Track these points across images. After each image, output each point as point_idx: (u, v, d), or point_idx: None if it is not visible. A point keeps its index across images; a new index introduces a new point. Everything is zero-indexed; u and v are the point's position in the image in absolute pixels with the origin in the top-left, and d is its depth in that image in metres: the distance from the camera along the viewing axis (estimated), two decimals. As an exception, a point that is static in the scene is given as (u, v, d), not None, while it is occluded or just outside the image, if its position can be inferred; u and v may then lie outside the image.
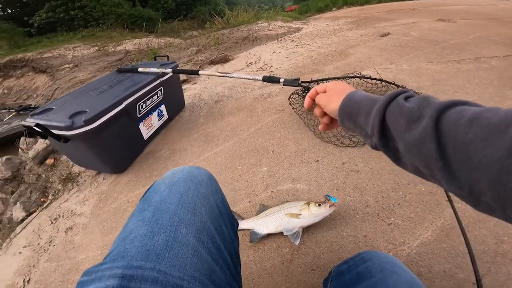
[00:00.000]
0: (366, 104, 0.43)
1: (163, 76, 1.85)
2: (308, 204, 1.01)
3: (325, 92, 0.57)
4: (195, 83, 3.02)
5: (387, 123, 0.39)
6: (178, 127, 2.07)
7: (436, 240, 0.94)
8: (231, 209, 1.19)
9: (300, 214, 1.00)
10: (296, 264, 0.96)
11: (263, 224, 1.05)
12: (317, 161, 1.40)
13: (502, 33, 2.86)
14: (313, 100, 0.61)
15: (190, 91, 2.75)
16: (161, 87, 1.86)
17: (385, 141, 0.40)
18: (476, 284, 0.81)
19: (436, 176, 0.33)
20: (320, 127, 0.62)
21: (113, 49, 4.64)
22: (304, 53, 3.19)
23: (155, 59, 2.41)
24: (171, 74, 1.87)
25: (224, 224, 0.56)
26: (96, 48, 6.91)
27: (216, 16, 6.96)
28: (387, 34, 3.28)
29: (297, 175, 1.33)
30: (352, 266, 0.61)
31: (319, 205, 0.98)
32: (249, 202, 1.24)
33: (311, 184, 1.27)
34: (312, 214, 0.98)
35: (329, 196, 1.02)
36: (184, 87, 2.89)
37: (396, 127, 0.37)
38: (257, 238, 1.04)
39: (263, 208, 1.13)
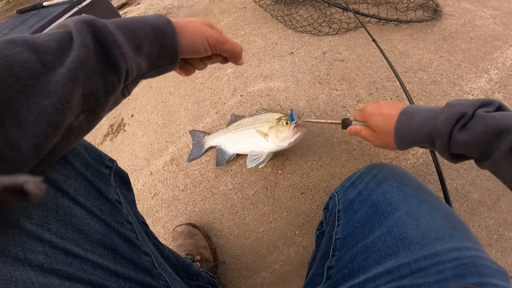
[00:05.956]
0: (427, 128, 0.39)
1: (80, 2, 1.47)
2: (279, 120, 0.77)
3: (365, 119, 0.52)
4: (138, 3, 2.52)
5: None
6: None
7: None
8: (195, 128, 0.99)
9: (267, 135, 0.77)
10: (282, 188, 0.79)
11: (231, 140, 0.84)
12: (292, 53, 1.14)
13: None
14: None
15: (133, 13, 2.29)
16: (83, 15, 1.46)
17: None
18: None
19: None
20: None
21: (28, -4, 3.66)
22: None
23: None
24: (86, -4, 1.48)
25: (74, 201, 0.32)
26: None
27: None
28: None
29: (269, 72, 1.09)
30: (362, 190, 0.46)
31: (287, 123, 0.75)
32: (216, 113, 1.02)
33: (287, 80, 1.04)
34: (278, 136, 0.75)
35: (291, 112, 0.76)
36: (125, 10, 2.44)
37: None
38: (224, 160, 0.83)
39: (234, 118, 0.91)
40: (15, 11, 1.61)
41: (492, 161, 0.33)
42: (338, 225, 0.46)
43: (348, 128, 0.57)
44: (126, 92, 0.33)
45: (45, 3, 1.48)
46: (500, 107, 0.35)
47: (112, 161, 0.40)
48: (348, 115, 0.88)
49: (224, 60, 0.44)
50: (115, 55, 0.28)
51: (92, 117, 0.29)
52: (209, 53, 0.40)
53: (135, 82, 0.34)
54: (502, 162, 0.32)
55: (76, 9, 1.44)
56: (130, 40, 0.30)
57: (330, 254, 0.44)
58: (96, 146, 1.13)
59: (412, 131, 0.41)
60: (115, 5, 2.42)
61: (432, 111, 0.39)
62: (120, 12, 2.28)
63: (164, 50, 0.34)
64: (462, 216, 0.67)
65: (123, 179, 0.42)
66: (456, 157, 0.38)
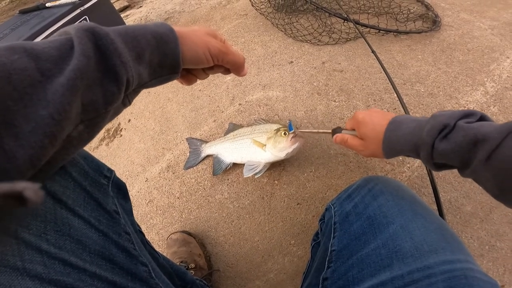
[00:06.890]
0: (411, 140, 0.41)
1: (83, 4, 1.48)
2: (277, 130, 0.77)
3: (356, 126, 0.53)
4: (140, 6, 2.53)
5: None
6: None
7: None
8: (193, 135, 0.99)
9: (265, 146, 0.78)
10: (279, 198, 0.79)
11: (228, 149, 0.84)
12: (291, 62, 1.15)
13: None
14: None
15: (135, 16, 2.29)
16: (85, 17, 1.49)
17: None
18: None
19: None
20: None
21: (33, -4, 3.64)
22: None
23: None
24: (91, -2, 1.49)
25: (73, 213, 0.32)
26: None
27: None
28: None
29: (268, 81, 1.10)
30: (359, 203, 0.47)
31: (285, 133, 0.76)
32: (214, 121, 1.02)
33: (286, 90, 1.04)
34: (276, 147, 0.75)
35: (289, 123, 0.76)
36: (127, 13, 2.45)
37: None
38: (220, 169, 0.83)
39: (232, 127, 0.91)
40: (17, 11, 1.61)
41: (471, 169, 0.34)
42: (334, 237, 0.46)
43: (334, 136, 0.57)
44: (127, 101, 0.33)
45: (48, 4, 1.48)
46: (482, 118, 0.36)
47: (111, 171, 0.40)
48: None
49: (226, 71, 0.44)
50: (116, 64, 0.27)
51: (92, 128, 0.28)
52: (211, 64, 0.39)
53: (136, 92, 0.34)
54: (480, 170, 0.32)
55: (78, 11, 1.43)
56: (131, 49, 0.29)
57: (326, 266, 0.44)
58: (92, 151, 1.13)
59: (399, 141, 0.42)
60: (117, 8, 2.44)
61: (419, 122, 0.40)
62: (122, 15, 2.29)
63: (165, 58, 0.33)
64: (455, 227, 0.68)
65: (120, 189, 0.42)
66: (439, 166, 0.39)
